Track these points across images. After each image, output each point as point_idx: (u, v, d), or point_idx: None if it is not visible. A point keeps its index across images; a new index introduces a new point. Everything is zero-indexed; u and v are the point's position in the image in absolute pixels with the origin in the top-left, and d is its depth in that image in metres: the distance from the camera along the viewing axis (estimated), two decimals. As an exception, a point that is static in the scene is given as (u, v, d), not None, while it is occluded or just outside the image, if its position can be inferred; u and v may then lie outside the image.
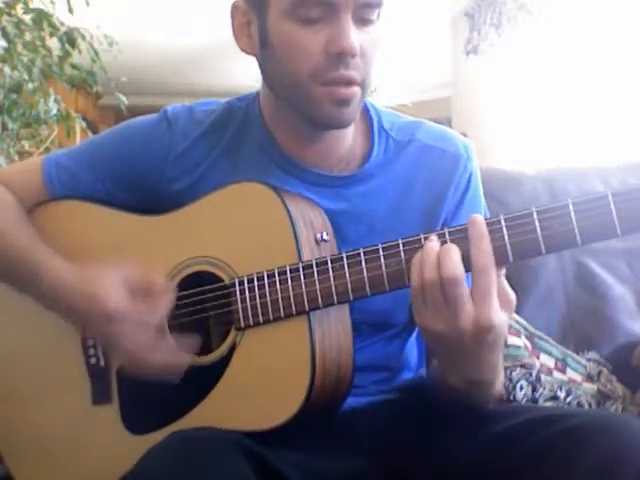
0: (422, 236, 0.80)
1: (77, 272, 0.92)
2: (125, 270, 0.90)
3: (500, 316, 0.76)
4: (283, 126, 0.97)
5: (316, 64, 0.85)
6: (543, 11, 3.94)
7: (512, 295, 0.79)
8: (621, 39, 3.57)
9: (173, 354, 0.88)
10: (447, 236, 0.79)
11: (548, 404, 1.36)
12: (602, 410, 1.35)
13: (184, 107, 1.03)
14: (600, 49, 3.64)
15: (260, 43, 0.90)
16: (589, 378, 1.42)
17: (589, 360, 1.45)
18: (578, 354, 1.46)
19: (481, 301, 0.75)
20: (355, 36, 0.84)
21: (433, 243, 0.78)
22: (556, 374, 1.41)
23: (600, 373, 1.43)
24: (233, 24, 0.94)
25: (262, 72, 0.95)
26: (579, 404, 1.38)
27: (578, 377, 1.42)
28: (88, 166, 1.03)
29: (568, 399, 1.38)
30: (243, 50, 0.95)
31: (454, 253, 0.76)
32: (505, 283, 0.79)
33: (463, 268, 0.76)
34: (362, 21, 0.86)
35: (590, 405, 1.38)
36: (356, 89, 0.88)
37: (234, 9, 0.94)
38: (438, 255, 0.76)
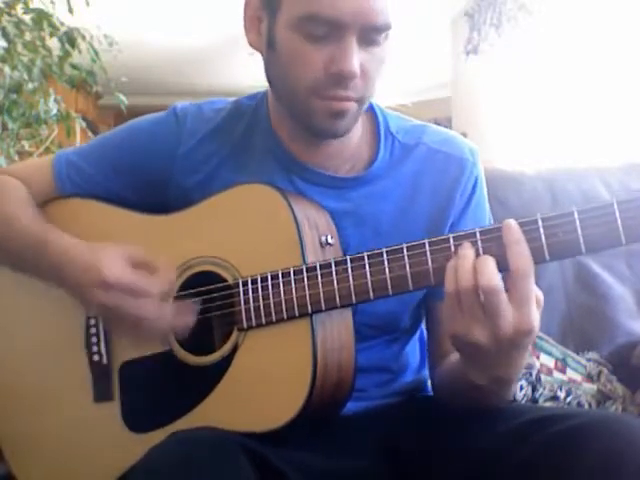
0: (426, 241, 0.79)
1: (83, 245, 0.92)
2: (130, 247, 0.90)
3: (537, 318, 0.75)
4: (287, 127, 0.97)
5: (315, 80, 0.85)
6: (543, 11, 3.94)
7: (541, 294, 0.77)
8: (621, 39, 3.57)
9: (175, 319, 0.87)
10: (478, 236, 0.77)
11: (548, 404, 1.37)
12: (602, 410, 1.35)
13: (193, 105, 1.03)
14: (600, 49, 3.64)
15: (267, 44, 0.90)
16: (589, 378, 1.42)
17: (589, 360, 1.45)
18: (578, 354, 1.46)
19: (522, 306, 0.73)
20: (357, 58, 0.84)
21: (467, 251, 0.76)
22: (556, 374, 1.41)
23: (600, 373, 1.43)
24: (245, 16, 0.93)
25: (265, 73, 0.94)
26: (579, 404, 1.38)
27: (578, 377, 1.42)
28: (97, 164, 1.03)
29: (568, 399, 1.38)
30: (251, 44, 0.94)
31: (491, 261, 0.74)
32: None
33: (500, 276, 0.74)
34: (368, 42, 0.85)
35: (590, 405, 1.38)
36: (352, 104, 0.88)
37: (247, 2, 0.93)
38: (474, 263, 0.75)
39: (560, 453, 0.75)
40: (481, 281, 0.73)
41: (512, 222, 0.75)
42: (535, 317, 0.74)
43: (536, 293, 0.76)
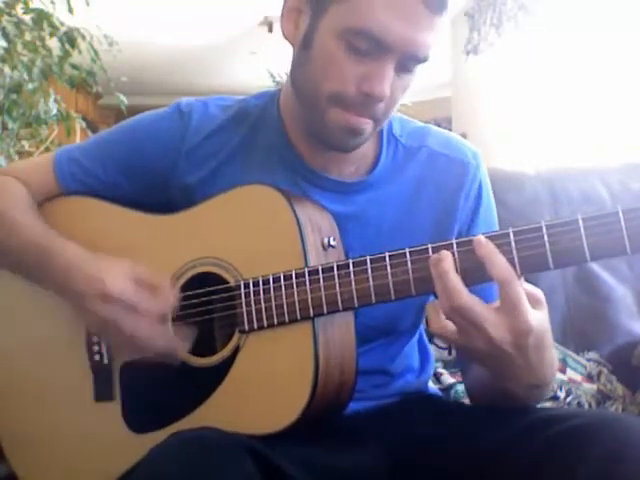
0: (430, 246, 0.78)
1: (88, 255, 0.92)
2: (135, 265, 0.90)
3: (536, 316, 0.74)
4: (298, 128, 0.97)
5: (343, 90, 0.85)
6: (543, 11, 3.94)
7: (539, 292, 0.77)
8: (621, 39, 3.57)
9: (170, 342, 0.88)
10: (455, 247, 0.77)
11: (548, 404, 1.36)
12: (602, 410, 1.36)
13: (198, 101, 1.02)
14: (600, 49, 3.64)
15: (302, 41, 0.89)
16: (589, 378, 1.42)
17: (589, 360, 1.45)
18: (578, 354, 1.46)
19: (513, 310, 0.73)
20: (389, 83, 0.84)
21: (441, 270, 0.75)
22: (556, 374, 1.41)
23: (600, 373, 1.43)
24: (285, 4, 0.91)
25: (291, 69, 0.93)
26: (579, 404, 1.38)
27: (578, 377, 1.42)
28: (99, 160, 1.02)
29: (568, 399, 1.38)
30: (284, 34, 0.92)
31: (454, 281, 0.74)
32: (527, 284, 0.77)
33: (468, 293, 0.74)
34: (403, 69, 0.86)
35: (590, 405, 1.38)
36: (370, 123, 0.88)
37: None
38: (444, 282, 0.74)
39: (561, 454, 0.75)
40: (452, 303, 0.74)
41: (482, 239, 0.75)
42: (531, 317, 0.74)
43: (534, 292, 0.76)
